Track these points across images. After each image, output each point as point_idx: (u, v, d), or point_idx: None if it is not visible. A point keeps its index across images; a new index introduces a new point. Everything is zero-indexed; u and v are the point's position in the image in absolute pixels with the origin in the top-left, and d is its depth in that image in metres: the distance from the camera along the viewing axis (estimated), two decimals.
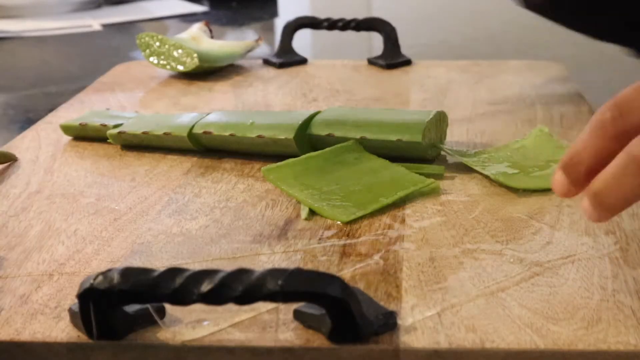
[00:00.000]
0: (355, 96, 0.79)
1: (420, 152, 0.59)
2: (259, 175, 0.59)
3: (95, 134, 0.67)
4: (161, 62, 0.85)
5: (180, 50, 0.84)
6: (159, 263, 0.46)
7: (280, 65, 0.90)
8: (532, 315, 0.39)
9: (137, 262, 0.46)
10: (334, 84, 0.83)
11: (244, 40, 0.92)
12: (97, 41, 1.28)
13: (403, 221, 0.51)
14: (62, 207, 0.55)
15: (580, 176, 0.41)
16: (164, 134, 0.63)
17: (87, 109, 0.76)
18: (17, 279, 0.45)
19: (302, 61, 0.91)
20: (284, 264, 0.46)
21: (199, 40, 0.90)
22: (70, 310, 0.40)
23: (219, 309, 0.40)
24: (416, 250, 0.47)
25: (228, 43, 0.91)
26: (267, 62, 0.91)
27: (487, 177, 0.56)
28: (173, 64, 0.85)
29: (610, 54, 0.81)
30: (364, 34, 1.01)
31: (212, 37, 0.93)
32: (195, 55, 0.84)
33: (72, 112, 0.76)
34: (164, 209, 0.54)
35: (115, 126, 0.66)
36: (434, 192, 0.54)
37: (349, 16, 0.91)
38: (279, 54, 0.92)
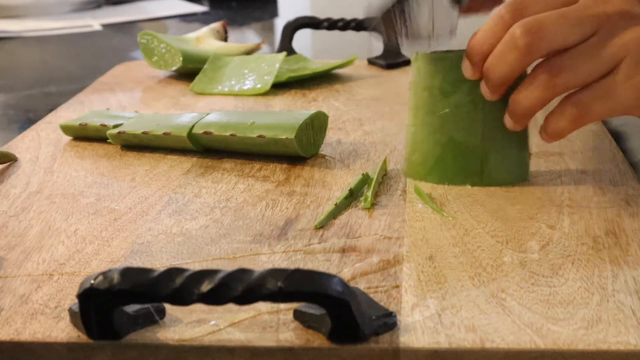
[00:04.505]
0: (355, 96, 0.79)
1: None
2: (259, 175, 0.59)
3: (95, 134, 0.67)
4: (154, 60, 0.85)
5: (171, 50, 0.85)
6: (159, 263, 0.46)
7: None
8: (532, 315, 0.39)
9: (137, 262, 0.46)
10: (334, 84, 0.83)
11: (246, 43, 0.92)
12: (97, 41, 1.28)
13: (403, 221, 0.51)
14: (62, 207, 0.55)
15: (478, 60, 0.52)
16: (164, 134, 0.63)
17: (87, 109, 0.76)
18: (17, 279, 0.45)
19: None
20: (284, 264, 0.46)
21: (203, 40, 0.90)
22: (70, 310, 0.40)
23: (219, 309, 0.40)
24: (416, 250, 0.47)
25: (228, 45, 0.91)
26: None
27: None
28: (161, 62, 0.85)
29: None
30: (364, 34, 1.01)
31: (226, 38, 0.93)
32: (180, 57, 0.84)
33: (72, 112, 0.76)
34: (164, 209, 0.54)
35: (115, 126, 0.66)
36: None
37: (349, 16, 0.91)
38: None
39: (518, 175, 0.56)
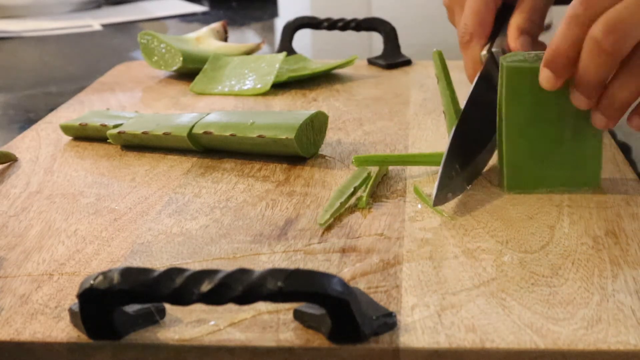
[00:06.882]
0: (355, 96, 0.79)
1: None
2: (259, 175, 0.59)
3: (95, 134, 0.67)
4: (154, 60, 0.86)
5: (171, 50, 0.85)
6: (159, 263, 0.46)
7: None
8: (532, 315, 0.39)
9: (137, 262, 0.46)
10: (334, 83, 0.83)
11: (246, 43, 0.92)
12: (97, 41, 1.28)
13: (403, 221, 0.51)
14: (62, 207, 0.55)
15: (562, 67, 0.50)
16: (164, 134, 0.63)
17: (87, 109, 0.76)
18: (17, 279, 0.45)
19: None
20: (284, 264, 0.46)
21: (203, 40, 0.90)
22: (70, 310, 0.40)
23: (219, 309, 0.40)
24: (416, 250, 0.47)
25: (228, 45, 0.91)
26: None
27: None
28: (161, 62, 0.85)
29: None
30: (364, 34, 1.01)
31: (226, 38, 0.93)
32: (180, 57, 0.84)
33: (72, 112, 0.76)
34: (164, 209, 0.54)
35: (115, 126, 0.66)
36: None
37: (349, 16, 0.91)
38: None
39: (597, 176, 0.55)
